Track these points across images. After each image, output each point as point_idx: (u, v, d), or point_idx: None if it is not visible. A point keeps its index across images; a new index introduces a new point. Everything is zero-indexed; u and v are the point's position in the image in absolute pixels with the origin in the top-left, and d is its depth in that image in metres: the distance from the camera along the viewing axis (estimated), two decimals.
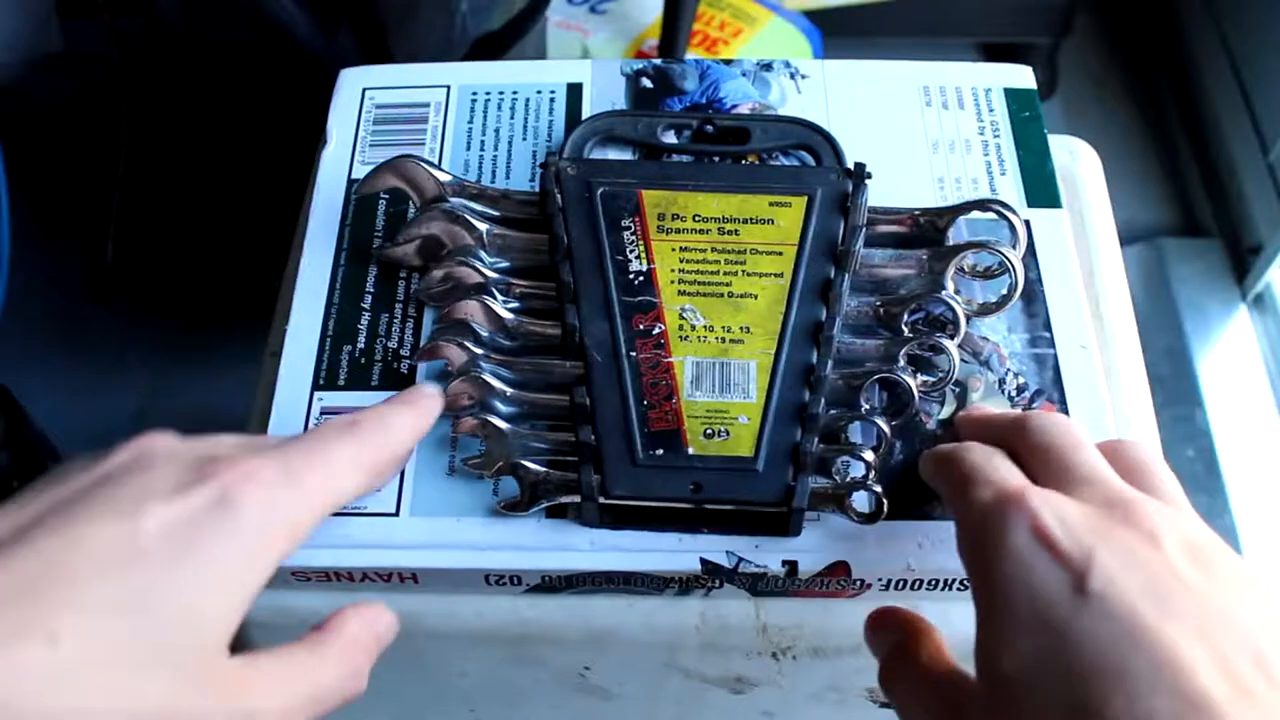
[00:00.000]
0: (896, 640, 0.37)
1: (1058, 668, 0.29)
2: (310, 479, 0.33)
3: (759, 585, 0.41)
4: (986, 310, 0.44)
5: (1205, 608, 0.29)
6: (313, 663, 0.33)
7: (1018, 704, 0.30)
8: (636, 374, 0.42)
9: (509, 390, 0.42)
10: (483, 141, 0.50)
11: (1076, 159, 0.53)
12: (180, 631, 0.28)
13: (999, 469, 0.35)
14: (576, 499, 0.41)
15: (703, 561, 0.41)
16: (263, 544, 0.31)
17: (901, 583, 0.41)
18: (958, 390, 0.44)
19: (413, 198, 0.46)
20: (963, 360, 0.44)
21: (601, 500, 0.41)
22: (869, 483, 0.40)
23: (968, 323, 0.44)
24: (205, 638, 0.29)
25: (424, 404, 0.40)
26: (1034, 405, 0.43)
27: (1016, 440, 0.37)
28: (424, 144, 0.50)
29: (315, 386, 0.44)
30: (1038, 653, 0.30)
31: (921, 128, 0.50)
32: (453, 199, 0.45)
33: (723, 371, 0.42)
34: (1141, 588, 0.30)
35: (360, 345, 0.45)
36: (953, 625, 0.42)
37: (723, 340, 0.43)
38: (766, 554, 0.41)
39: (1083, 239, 0.50)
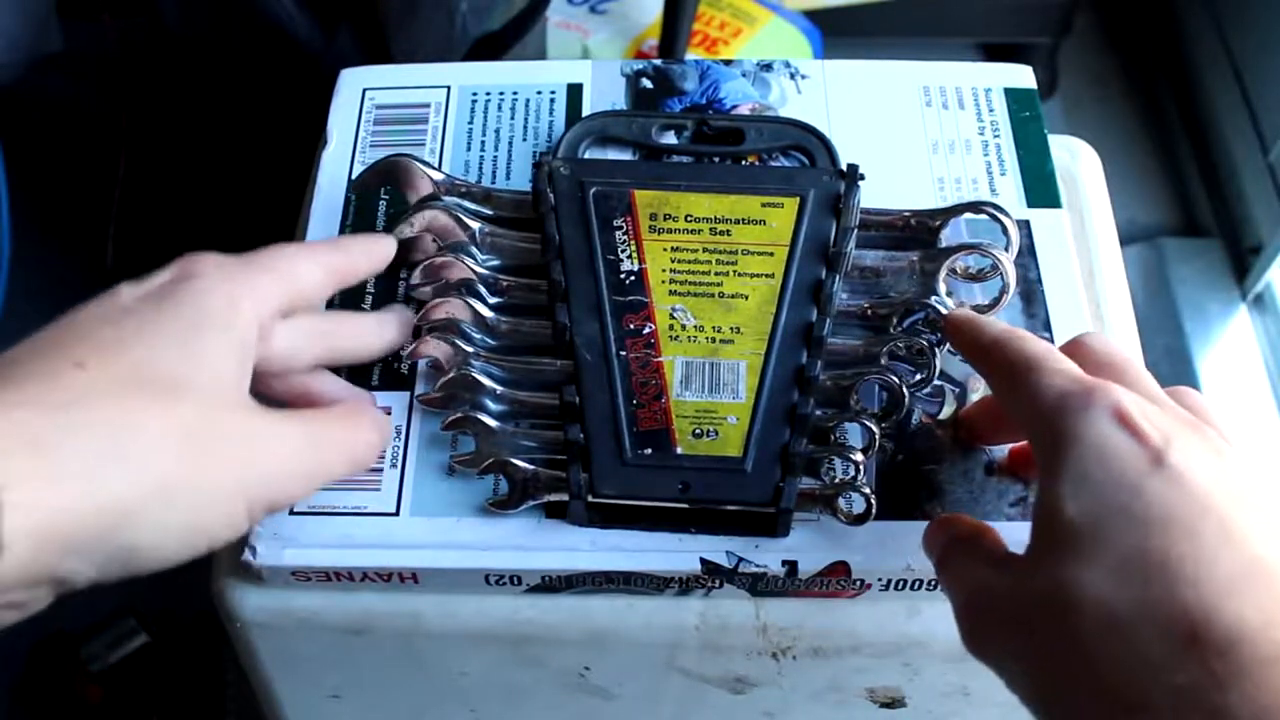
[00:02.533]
0: (955, 533, 0.37)
1: (1126, 518, 0.30)
2: (265, 260, 0.37)
3: (759, 585, 0.41)
4: (979, 312, 0.44)
5: (1268, 503, 0.31)
6: (325, 416, 0.38)
7: (1076, 546, 0.31)
8: (626, 373, 0.42)
9: (499, 388, 0.42)
10: (483, 142, 0.50)
11: (1076, 159, 0.53)
12: (183, 360, 0.33)
13: (1065, 360, 0.35)
14: (565, 497, 0.41)
15: (703, 561, 0.41)
16: (230, 291, 0.35)
17: (901, 583, 0.41)
18: (958, 390, 0.44)
19: (407, 196, 0.46)
20: (963, 360, 0.44)
21: (590, 499, 0.41)
22: (858, 484, 0.40)
23: None
24: (209, 369, 0.33)
25: (381, 240, 0.43)
26: None
27: (1078, 350, 0.37)
28: (424, 144, 0.50)
29: None
30: (1106, 504, 0.31)
31: (921, 128, 0.50)
32: (446, 197, 0.45)
33: (712, 371, 0.42)
34: (1215, 475, 0.31)
35: None
36: (953, 625, 0.42)
37: (713, 340, 0.43)
38: (766, 554, 0.41)
39: (1083, 239, 0.50)
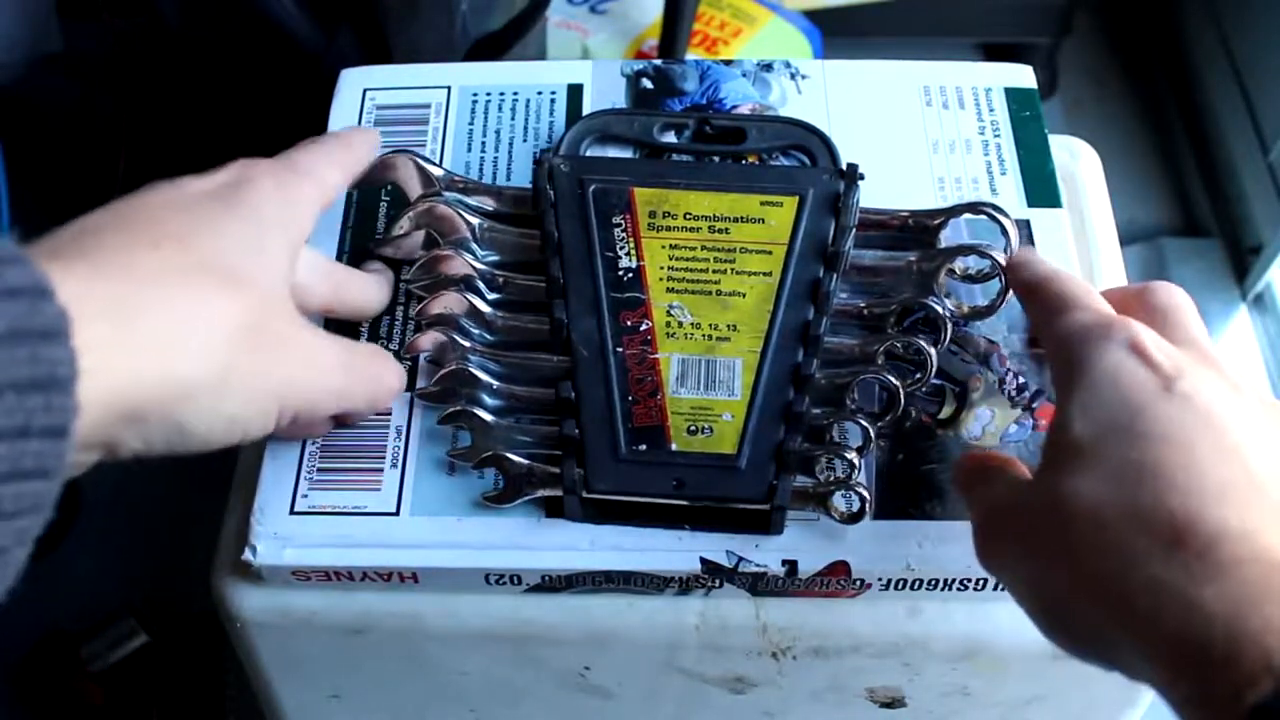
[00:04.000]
0: (983, 463, 0.39)
1: (1127, 434, 0.32)
2: (307, 165, 0.40)
3: (759, 585, 0.41)
4: (976, 314, 0.44)
5: (1276, 437, 0.32)
6: (358, 348, 0.41)
7: (1079, 459, 0.32)
8: (622, 369, 0.42)
9: (495, 383, 0.42)
10: (483, 143, 0.50)
11: (1076, 159, 0.53)
12: (245, 255, 0.34)
13: (1098, 300, 0.38)
14: (559, 493, 0.41)
15: (703, 561, 0.41)
16: (284, 201, 0.37)
17: (901, 583, 0.41)
18: (958, 390, 0.44)
19: (407, 192, 0.46)
20: (963, 360, 0.44)
21: (584, 494, 0.41)
22: (853, 482, 0.40)
23: (956, 326, 0.43)
24: (268, 268, 0.35)
25: (370, 132, 0.46)
26: (1034, 405, 0.43)
27: (1142, 294, 0.39)
28: (424, 145, 0.50)
29: None
30: (1110, 423, 0.32)
31: (922, 128, 0.50)
32: (446, 193, 0.45)
33: (708, 368, 0.42)
34: (1222, 403, 0.32)
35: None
36: (953, 625, 0.42)
37: (709, 338, 0.43)
38: (766, 553, 0.41)
39: (1083, 239, 0.50)
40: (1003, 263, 0.43)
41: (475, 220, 0.45)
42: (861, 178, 0.44)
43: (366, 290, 0.44)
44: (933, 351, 0.42)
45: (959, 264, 0.44)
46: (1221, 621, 0.27)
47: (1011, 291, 0.42)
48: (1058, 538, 0.32)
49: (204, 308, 0.32)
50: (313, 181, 0.39)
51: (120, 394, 0.29)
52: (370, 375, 0.40)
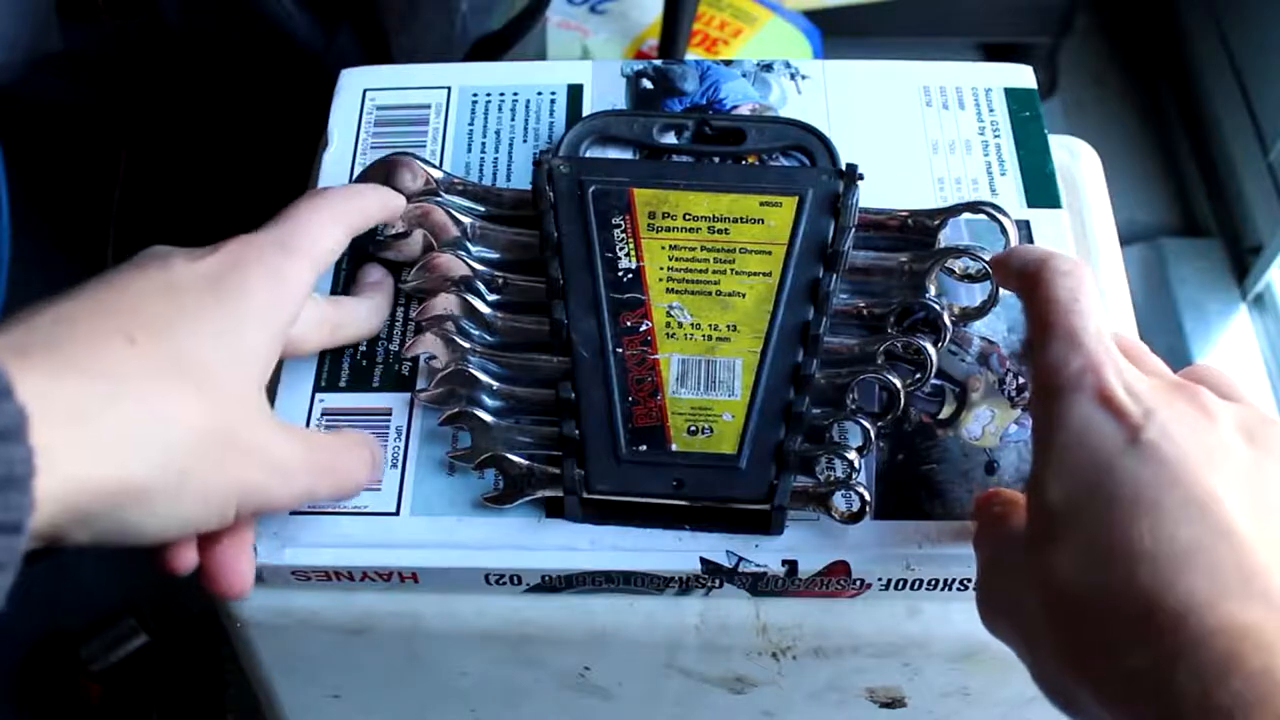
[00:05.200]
0: (992, 507, 0.38)
1: (1096, 499, 0.31)
2: (303, 244, 0.39)
3: (759, 585, 0.41)
4: (967, 315, 0.44)
5: (1251, 471, 0.31)
6: (327, 447, 0.39)
7: (1053, 529, 0.32)
8: (622, 370, 0.42)
9: (496, 384, 0.42)
10: (483, 143, 0.50)
11: (1076, 159, 0.53)
12: (222, 351, 0.34)
13: (1082, 306, 0.36)
14: (559, 493, 0.41)
15: (703, 561, 0.41)
16: (274, 291, 0.37)
17: (901, 583, 0.41)
18: (958, 390, 0.44)
19: (406, 194, 0.46)
20: (962, 361, 0.44)
21: (584, 495, 0.41)
22: (853, 482, 0.40)
23: (955, 326, 0.43)
24: (244, 366, 0.35)
25: (384, 191, 0.45)
26: None
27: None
28: (425, 146, 0.50)
29: (317, 388, 0.44)
30: (1081, 485, 0.32)
31: (921, 128, 0.50)
32: (444, 194, 0.45)
33: (708, 369, 0.42)
34: (1191, 445, 0.31)
35: (361, 348, 0.45)
36: (953, 625, 0.42)
37: (709, 338, 0.43)
38: (766, 553, 0.41)
39: (1083, 239, 0.50)
40: None
41: (468, 220, 0.45)
42: (861, 178, 0.44)
43: (363, 322, 0.44)
44: (933, 351, 0.42)
45: (958, 265, 0.44)
46: (1192, 702, 0.27)
47: (1004, 291, 0.42)
48: (1043, 617, 0.32)
49: (167, 412, 0.32)
50: (306, 258, 0.38)
51: (73, 495, 0.29)
52: (339, 472, 0.39)
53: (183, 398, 0.32)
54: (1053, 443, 0.33)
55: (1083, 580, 0.31)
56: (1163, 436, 0.31)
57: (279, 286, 0.37)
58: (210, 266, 0.36)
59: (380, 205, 0.44)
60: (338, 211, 0.41)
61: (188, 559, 0.36)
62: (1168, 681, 0.28)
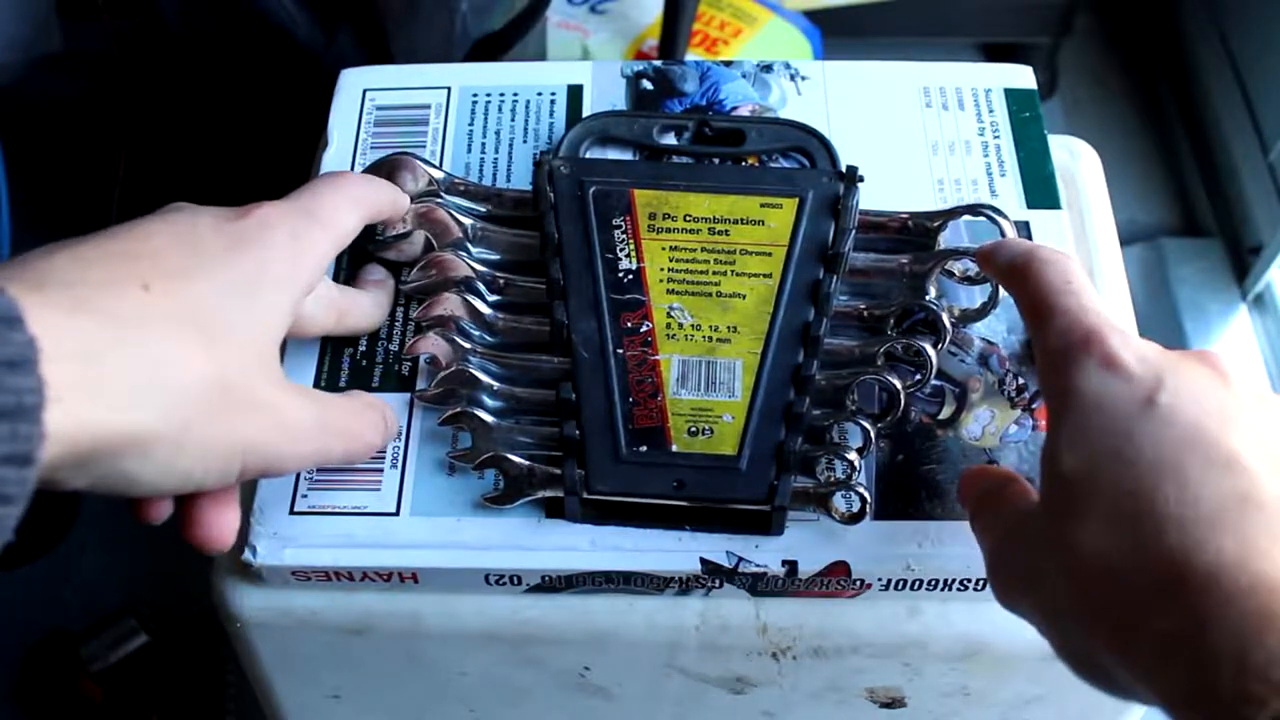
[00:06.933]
0: (985, 486, 0.38)
1: (1116, 464, 0.31)
2: (324, 214, 0.39)
3: (759, 585, 0.41)
4: (967, 317, 0.44)
5: (1267, 428, 0.31)
6: (338, 408, 0.39)
7: (1073, 499, 0.32)
8: (623, 371, 0.42)
9: (496, 384, 0.42)
10: (483, 143, 0.51)
11: (1076, 159, 0.53)
12: (238, 307, 0.34)
13: (1075, 287, 0.36)
14: (559, 493, 0.41)
15: (703, 561, 0.41)
16: (295, 255, 0.36)
17: (901, 583, 0.41)
18: (957, 391, 0.44)
19: (407, 194, 0.46)
20: (962, 361, 0.44)
21: (585, 495, 0.41)
22: (853, 482, 0.40)
23: (955, 327, 0.44)
24: (258, 324, 0.35)
25: (395, 188, 0.44)
26: (1034, 405, 0.43)
27: None
28: (424, 146, 0.50)
29: (316, 387, 0.44)
30: (1099, 452, 0.31)
31: (921, 129, 0.50)
32: (445, 195, 0.45)
33: (708, 370, 0.42)
34: (1207, 405, 0.31)
35: (361, 347, 0.45)
36: (953, 625, 0.42)
37: (710, 339, 0.43)
38: (766, 554, 0.41)
39: (1083, 239, 0.50)
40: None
41: (469, 221, 0.45)
42: (861, 179, 0.45)
43: (368, 314, 0.44)
44: (933, 353, 0.42)
45: (958, 267, 0.44)
46: (1228, 662, 0.27)
47: (1004, 293, 0.42)
48: (1067, 589, 0.31)
49: (175, 360, 0.31)
50: (329, 230, 0.38)
51: (74, 435, 0.28)
52: (351, 434, 0.38)
53: (193, 348, 0.32)
54: (1066, 413, 0.33)
55: (1108, 547, 0.30)
56: (1178, 398, 0.31)
57: (301, 253, 0.37)
58: (235, 225, 0.36)
59: (391, 201, 0.44)
60: (358, 195, 0.41)
61: (162, 507, 0.35)
62: (1202, 643, 0.28)
